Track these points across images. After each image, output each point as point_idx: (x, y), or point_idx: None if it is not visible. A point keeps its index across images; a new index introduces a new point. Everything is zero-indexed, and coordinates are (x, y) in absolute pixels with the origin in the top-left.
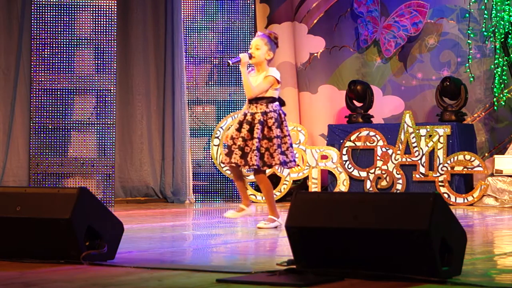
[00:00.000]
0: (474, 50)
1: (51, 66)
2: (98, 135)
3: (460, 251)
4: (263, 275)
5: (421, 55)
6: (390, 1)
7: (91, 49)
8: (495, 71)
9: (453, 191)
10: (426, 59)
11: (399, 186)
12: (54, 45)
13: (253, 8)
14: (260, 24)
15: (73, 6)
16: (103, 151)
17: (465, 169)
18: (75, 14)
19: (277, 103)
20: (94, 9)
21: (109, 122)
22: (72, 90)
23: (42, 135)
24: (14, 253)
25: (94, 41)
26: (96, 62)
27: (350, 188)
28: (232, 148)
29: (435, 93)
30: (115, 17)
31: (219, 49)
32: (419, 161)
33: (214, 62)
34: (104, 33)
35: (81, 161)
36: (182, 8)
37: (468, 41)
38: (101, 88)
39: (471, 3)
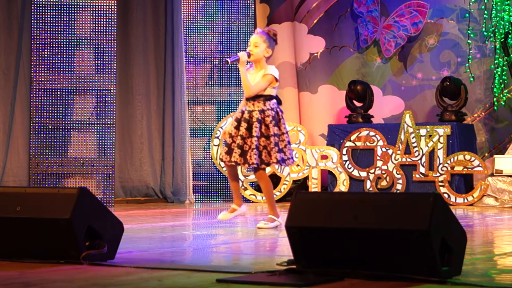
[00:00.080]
0: (474, 50)
1: (51, 66)
2: (98, 135)
3: (460, 251)
4: (263, 275)
5: (421, 55)
6: (390, 1)
7: (91, 49)
8: (495, 71)
9: (453, 191)
10: (426, 59)
11: (399, 186)
12: (54, 45)
13: (253, 8)
14: (260, 24)
15: (73, 6)
16: (103, 151)
17: (465, 169)
18: (75, 14)
19: (274, 101)
20: (94, 9)
21: (109, 122)
22: (72, 90)
23: (42, 135)
24: (14, 253)
25: (94, 41)
26: (96, 62)
27: (350, 188)
28: (231, 146)
29: (435, 93)
30: (115, 17)
31: (219, 49)
32: (419, 161)
33: (214, 62)
34: (104, 33)
35: (81, 161)
36: (182, 8)
37: (468, 41)
38: (101, 88)
39: (471, 3)
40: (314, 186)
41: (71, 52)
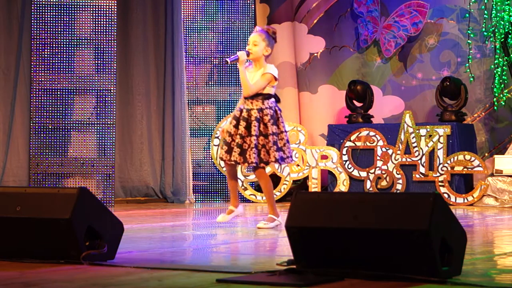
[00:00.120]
0: (474, 50)
1: (51, 66)
2: (98, 135)
3: (460, 251)
4: (263, 275)
5: (421, 55)
6: (390, 1)
7: (91, 49)
8: (495, 71)
9: (453, 191)
10: (426, 59)
11: (399, 186)
12: (54, 45)
13: (253, 8)
14: (260, 24)
15: (73, 6)
16: (103, 151)
17: (465, 169)
18: (75, 14)
19: (273, 99)
20: (94, 9)
21: (109, 122)
22: (72, 90)
23: (42, 135)
24: (14, 253)
25: (94, 41)
26: (96, 62)
27: (350, 188)
28: (231, 145)
29: (435, 93)
30: (115, 17)
31: (219, 49)
32: (419, 161)
33: (214, 62)
34: (104, 33)
35: (81, 161)
36: (182, 8)
37: (468, 41)
38: (101, 88)
39: (471, 3)
40: (314, 186)
41: (71, 52)
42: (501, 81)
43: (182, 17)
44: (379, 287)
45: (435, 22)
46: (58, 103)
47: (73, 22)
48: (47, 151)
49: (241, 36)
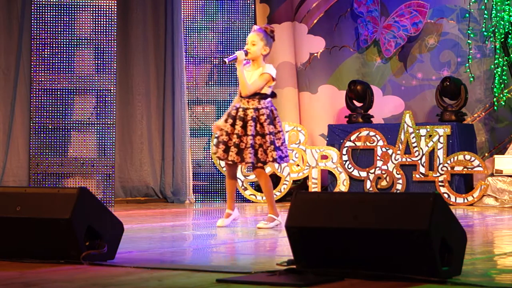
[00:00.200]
0: (474, 50)
1: (51, 66)
2: (98, 135)
3: (460, 251)
4: (263, 275)
5: (421, 55)
6: (390, 1)
7: (91, 49)
8: (495, 71)
9: (453, 191)
10: (426, 59)
11: (399, 186)
12: (54, 45)
13: (253, 8)
14: (260, 24)
15: (73, 6)
16: (103, 151)
17: (465, 169)
18: (75, 14)
19: (269, 99)
20: (94, 9)
21: (109, 122)
22: (72, 90)
23: (42, 135)
24: (14, 253)
25: (94, 41)
26: (96, 62)
27: (350, 188)
28: (228, 144)
29: (435, 93)
30: (115, 17)
31: (219, 49)
32: (419, 161)
33: (214, 62)
34: (104, 33)
35: (81, 161)
36: (182, 8)
37: (468, 41)
38: (101, 88)
39: (471, 3)
40: (314, 186)
41: (71, 52)
42: (501, 81)
43: (182, 17)
44: (379, 287)
45: (435, 22)
46: (58, 103)
47: (73, 22)
48: (47, 151)
49: (241, 36)
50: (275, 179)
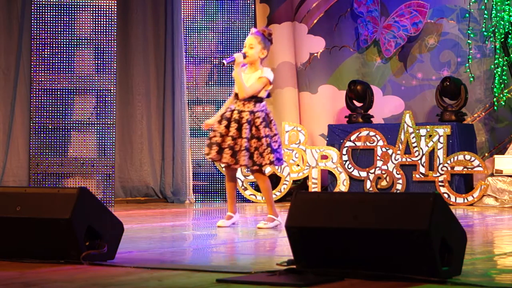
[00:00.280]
0: (474, 50)
1: (51, 66)
2: (98, 135)
3: (460, 251)
4: (263, 275)
5: (421, 55)
6: (390, 1)
7: (91, 49)
8: (495, 71)
9: (453, 191)
10: (426, 59)
11: (399, 186)
12: (54, 45)
13: (253, 8)
14: (260, 24)
15: (73, 6)
16: (103, 151)
17: (465, 169)
18: (75, 14)
19: (264, 102)
20: (94, 9)
21: (109, 122)
22: (72, 90)
23: (42, 135)
24: (14, 253)
25: (94, 41)
26: (96, 62)
27: (350, 188)
28: (222, 146)
29: (435, 93)
30: (115, 17)
31: (219, 49)
32: (419, 161)
33: (214, 62)
34: (104, 33)
35: (81, 161)
36: (182, 8)
37: (468, 41)
38: (101, 88)
39: (471, 3)
40: (314, 186)
41: (71, 52)
42: (501, 81)
43: (182, 17)
44: (379, 287)
45: (435, 22)
46: (58, 103)
47: (73, 22)
48: (47, 151)
49: (241, 36)
50: (275, 179)
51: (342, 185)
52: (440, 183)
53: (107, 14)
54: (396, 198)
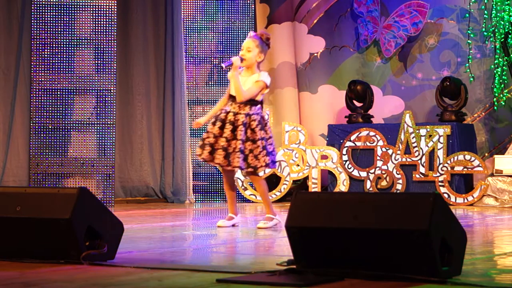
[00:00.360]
0: (474, 50)
1: (51, 66)
2: (98, 135)
3: (460, 251)
4: (263, 275)
5: (421, 55)
6: (390, 1)
7: (91, 49)
8: (495, 71)
9: (453, 191)
10: (426, 59)
11: (399, 186)
12: (54, 45)
13: (253, 8)
14: (260, 24)
15: (73, 6)
16: (103, 151)
17: (465, 169)
18: (75, 14)
19: (259, 106)
20: (94, 9)
21: (109, 122)
22: (72, 90)
23: (42, 135)
24: (14, 253)
25: (94, 41)
26: (96, 62)
27: (350, 188)
28: (215, 146)
29: (435, 93)
30: (115, 17)
31: (219, 49)
32: (419, 161)
33: (214, 62)
34: (104, 33)
35: (81, 161)
36: (182, 8)
37: (468, 41)
38: (101, 88)
39: (471, 3)
40: (314, 186)
41: (71, 52)
42: (501, 81)
43: (182, 17)
44: (379, 287)
45: (435, 22)
46: (58, 103)
47: (73, 22)
48: (47, 151)
49: (241, 36)
50: (275, 179)
51: (342, 185)
52: (440, 183)
53: (107, 14)
54: (396, 198)
